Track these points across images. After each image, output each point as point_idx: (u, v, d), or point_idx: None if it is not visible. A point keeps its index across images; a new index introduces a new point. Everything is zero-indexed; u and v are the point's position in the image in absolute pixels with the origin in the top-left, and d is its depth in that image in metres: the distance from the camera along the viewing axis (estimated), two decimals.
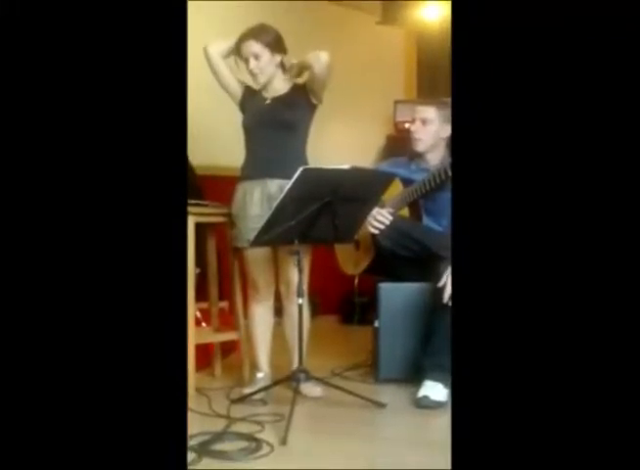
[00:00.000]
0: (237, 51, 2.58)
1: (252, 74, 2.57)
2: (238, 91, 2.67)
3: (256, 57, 2.53)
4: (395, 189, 2.80)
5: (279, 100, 2.60)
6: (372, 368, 2.88)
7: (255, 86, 2.63)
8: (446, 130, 2.77)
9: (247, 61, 2.56)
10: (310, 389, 2.53)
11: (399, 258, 2.72)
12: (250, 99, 2.65)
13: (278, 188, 2.48)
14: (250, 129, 2.63)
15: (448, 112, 2.76)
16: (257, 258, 2.60)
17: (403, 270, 2.78)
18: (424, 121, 2.78)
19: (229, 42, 2.60)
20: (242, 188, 2.60)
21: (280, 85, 2.62)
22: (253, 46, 2.52)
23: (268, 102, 2.61)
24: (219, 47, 2.60)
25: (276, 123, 2.55)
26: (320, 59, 2.46)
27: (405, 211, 2.86)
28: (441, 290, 2.44)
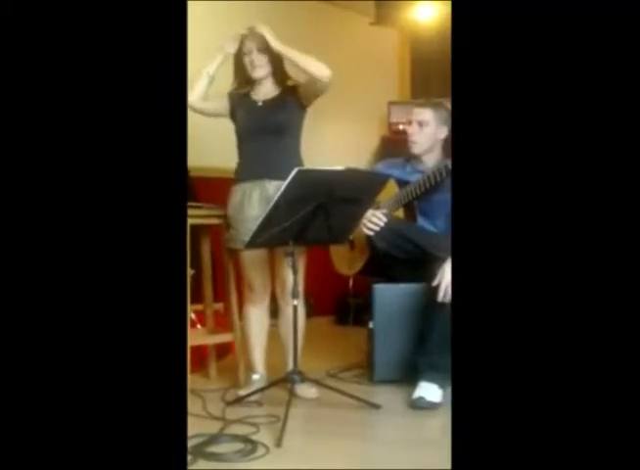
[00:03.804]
0: (240, 44, 2.57)
1: (252, 66, 2.56)
2: (225, 107, 2.67)
3: (260, 51, 2.54)
4: (390, 190, 2.80)
5: (270, 102, 2.60)
6: (367, 369, 2.88)
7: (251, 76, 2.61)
8: (443, 132, 2.77)
9: (249, 53, 2.55)
10: (305, 390, 2.53)
11: (394, 258, 2.72)
12: (239, 105, 2.65)
13: (276, 189, 2.46)
14: (243, 133, 2.63)
15: (444, 113, 2.76)
16: (253, 259, 2.59)
17: (398, 271, 2.78)
18: (420, 123, 2.77)
19: (200, 82, 2.60)
20: (240, 190, 2.60)
21: (270, 88, 2.63)
22: (258, 41, 2.52)
23: (260, 104, 2.61)
24: (194, 95, 2.60)
25: (269, 126, 2.56)
26: (324, 75, 2.44)
27: (400, 212, 2.86)
28: (436, 289, 2.43)
